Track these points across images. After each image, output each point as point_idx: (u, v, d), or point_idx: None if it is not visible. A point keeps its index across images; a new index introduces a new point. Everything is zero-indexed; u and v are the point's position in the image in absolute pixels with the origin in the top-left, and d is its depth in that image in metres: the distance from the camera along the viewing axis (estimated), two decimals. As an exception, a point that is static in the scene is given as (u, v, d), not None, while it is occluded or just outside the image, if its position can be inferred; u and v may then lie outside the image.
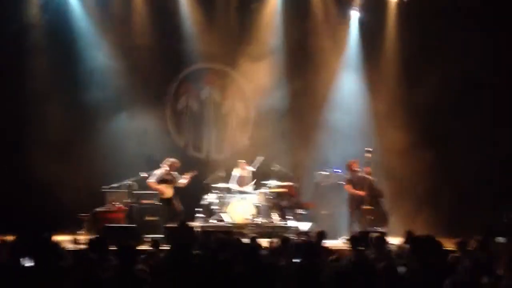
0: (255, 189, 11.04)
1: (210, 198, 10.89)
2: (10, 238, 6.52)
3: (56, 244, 5.67)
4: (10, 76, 10.93)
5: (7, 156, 10.81)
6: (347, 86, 12.22)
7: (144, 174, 10.43)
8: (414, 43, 11.91)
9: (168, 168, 10.37)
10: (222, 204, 10.78)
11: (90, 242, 6.24)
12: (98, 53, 11.52)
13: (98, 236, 7.99)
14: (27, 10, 10.99)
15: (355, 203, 10.22)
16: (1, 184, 10.56)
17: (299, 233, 9.54)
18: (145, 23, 11.76)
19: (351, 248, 7.17)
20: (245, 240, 7.75)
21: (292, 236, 8.70)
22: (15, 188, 10.63)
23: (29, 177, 10.81)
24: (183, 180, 10.39)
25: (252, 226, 10.32)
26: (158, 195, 10.36)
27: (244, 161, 11.20)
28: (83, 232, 9.77)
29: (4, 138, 10.87)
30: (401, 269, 5.61)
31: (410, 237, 6.98)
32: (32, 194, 10.66)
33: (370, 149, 10.36)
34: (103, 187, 10.56)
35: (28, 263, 4.99)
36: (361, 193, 10.18)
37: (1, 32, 10.53)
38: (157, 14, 11.76)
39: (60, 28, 11.28)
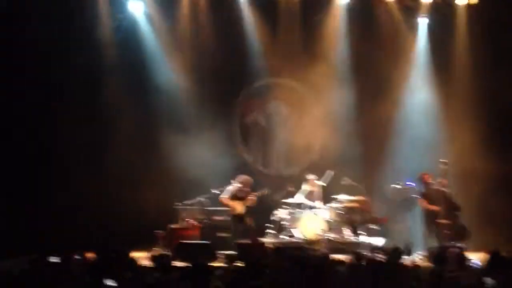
0: (326, 203, 10.91)
1: (280, 213, 10.86)
2: (89, 256, 6.77)
3: (136, 262, 5.79)
4: (85, 94, 11.37)
5: (84, 175, 11.22)
6: (418, 96, 11.89)
7: (215, 191, 10.56)
8: (486, 48, 11.43)
9: (240, 185, 10.46)
10: (293, 219, 10.72)
11: (154, 259, 6.34)
12: (167, 72, 11.82)
13: (162, 253, 8.16)
14: (102, 31, 11.44)
15: (430, 217, 9.87)
16: (80, 202, 10.96)
17: (373, 249, 9.33)
18: (211, 41, 11.94)
19: (429, 265, 6.93)
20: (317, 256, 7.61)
21: (366, 253, 8.52)
22: (91, 207, 11.00)
23: (105, 195, 11.17)
24: (254, 198, 10.44)
25: (323, 242, 10.17)
26: (230, 211, 10.45)
27: (313, 176, 11.10)
28: (158, 249, 9.98)
29: (82, 156, 11.28)
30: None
31: (493, 256, 6.62)
32: (108, 212, 11.01)
33: (445, 161, 9.98)
34: (176, 204, 10.77)
35: (110, 283, 5.11)
36: (435, 207, 9.82)
37: (78, 51, 10.98)
38: (222, 31, 11.89)
39: (130, 48, 11.65)
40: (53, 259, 6.19)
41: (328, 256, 7.36)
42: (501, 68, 11.25)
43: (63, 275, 5.55)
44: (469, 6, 11.71)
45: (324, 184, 11.01)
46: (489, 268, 6.09)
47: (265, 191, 10.56)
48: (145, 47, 11.77)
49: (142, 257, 9.11)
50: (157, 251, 9.69)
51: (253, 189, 10.55)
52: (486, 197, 10.99)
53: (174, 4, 11.76)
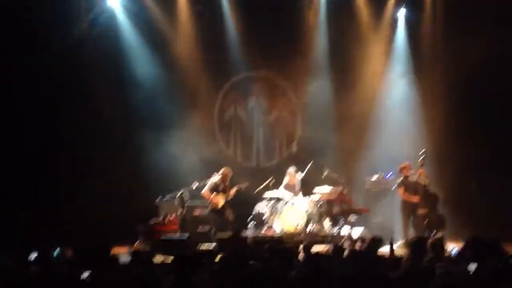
0: (305, 195, 10.97)
1: (261, 207, 10.88)
2: (68, 250, 6.71)
3: (115, 257, 5.76)
4: (62, 90, 11.22)
5: (63, 170, 11.11)
6: (397, 87, 11.98)
7: (196, 184, 10.54)
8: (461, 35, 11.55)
9: (220, 178, 10.46)
10: (273, 212, 10.75)
11: (133, 254, 6.33)
12: (146, 65, 11.74)
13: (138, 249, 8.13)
14: (78, 26, 11.29)
15: (409, 207, 9.99)
16: (60, 198, 10.86)
17: (352, 240, 9.42)
18: (191, 35, 11.90)
19: (407, 254, 7.01)
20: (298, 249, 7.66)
21: (345, 244, 8.60)
22: (70, 201, 10.92)
23: (84, 190, 11.10)
24: (232, 192, 10.45)
25: (303, 234, 10.23)
26: (211, 205, 10.44)
27: (293, 168, 11.15)
28: (139, 244, 9.94)
29: (56, 151, 11.16)
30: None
31: (470, 241, 6.71)
32: (87, 207, 10.93)
33: (424, 151, 10.09)
34: (157, 199, 10.74)
35: (87, 276, 5.09)
36: (414, 197, 9.94)
37: (54, 47, 10.82)
38: (202, 25, 11.86)
39: (108, 42, 11.54)
40: (33, 255, 6.14)
41: (309, 248, 7.40)
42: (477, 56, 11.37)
43: (42, 271, 5.51)
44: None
45: (303, 175, 11.05)
46: (470, 254, 6.17)
47: (245, 184, 10.57)
48: (123, 40, 11.67)
49: (122, 252, 9.09)
50: (137, 246, 9.66)
51: (233, 182, 10.55)
52: (464, 186, 11.14)
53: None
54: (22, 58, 10.81)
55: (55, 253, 6.27)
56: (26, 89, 10.92)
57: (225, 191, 10.44)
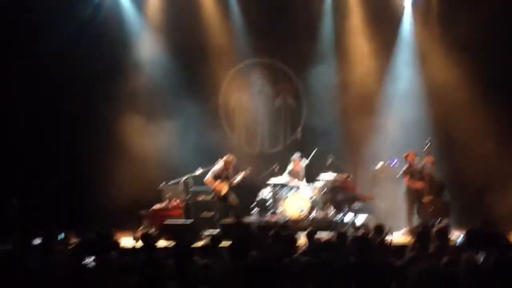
0: (310, 182, 10.94)
1: (265, 193, 10.88)
2: (71, 236, 6.73)
3: (118, 242, 5.77)
4: (66, 73, 11.18)
5: (64, 155, 11.12)
6: (403, 73, 11.88)
7: (200, 170, 10.52)
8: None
9: (224, 165, 10.44)
10: (277, 199, 10.75)
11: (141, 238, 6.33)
12: (151, 52, 11.69)
13: (147, 232, 8.15)
14: (82, 10, 11.21)
15: (413, 195, 9.95)
16: (61, 183, 10.87)
17: (356, 227, 9.40)
18: (197, 20, 11.80)
19: (412, 242, 6.99)
20: (302, 235, 7.65)
21: (348, 231, 8.57)
22: (74, 187, 10.94)
23: (88, 176, 11.11)
24: (237, 178, 10.43)
25: (307, 221, 10.22)
26: (214, 192, 10.43)
27: (298, 154, 11.11)
28: (143, 229, 9.97)
29: (59, 137, 11.16)
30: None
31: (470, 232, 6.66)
32: (91, 192, 10.96)
33: (430, 139, 10.02)
34: (161, 184, 10.73)
35: (91, 262, 5.10)
36: (419, 184, 9.89)
37: (58, 33, 10.78)
38: (206, 11, 11.77)
39: (112, 27, 11.47)
40: (37, 240, 6.16)
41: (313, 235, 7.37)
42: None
43: (46, 256, 5.52)
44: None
45: (307, 162, 11.02)
46: (472, 243, 6.14)
47: (248, 171, 10.54)
48: (127, 26, 11.60)
49: (126, 237, 9.12)
50: (142, 230, 9.68)
51: (236, 168, 10.52)
52: (472, 173, 11.07)
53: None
54: (26, 44, 10.76)
55: (59, 237, 6.28)
56: (29, 75, 10.89)
57: (228, 178, 10.43)
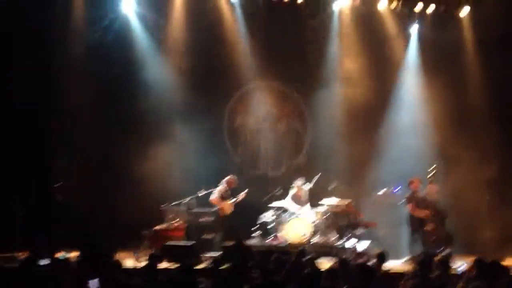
0: (313, 207, 10.92)
1: (266, 216, 10.85)
2: (73, 255, 6.72)
3: (119, 262, 5.76)
4: (76, 95, 11.24)
5: (71, 174, 11.13)
6: (408, 101, 11.96)
7: (203, 191, 10.53)
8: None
9: (226, 185, 10.46)
10: (279, 222, 10.72)
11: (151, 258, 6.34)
12: (158, 73, 11.78)
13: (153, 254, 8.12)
14: (93, 31, 11.37)
15: (416, 222, 9.89)
16: (67, 202, 10.85)
17: (358, 254, 9.35)
18: (204, 42, 11.89)
19: (414, 270, 6.96)
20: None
21: (350, 257, 8.53)
22: (78, 206, 10.90)
23: (91, 195, 11.10)
24: (239, 198, 10.46)
25: (309, 246, 10.17)
26: (216, 212, 10.42)
27: (301, 178, 11.11)
28: (143, 250, 9.93)
29: (69, 155, 11.19)
30: None
31: (476, 262, 6.65)
32: (93, 212, 10.94)
33: (435, 166, 10.01)
34: (162, 205, 10.73)
35: (93, 283, 5.08)
36: (423, 213, 9.85)
37: (68, 54, 10.89)
38: (215, 33, 11.88)
39: (122, 48, 11.59)
40: (43, 262, 6.17)
41: (314, 261, 7.34)
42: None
43: (49, 276, 5.52)
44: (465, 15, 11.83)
45: (311, 186, 11.02)
46: (476, 274, 6.13)
47: (245, 193, 10.52)
48: (136, 46, 11.71)
49: (127, 258, 9.10)
50: (143, 251, 9.65)
51: (236, 191, 10.54)
52: (476, 202, 11.06)
53: (166, 5, 11.68)
54: (36, 64, 10.86)
55: (61, 257, 6.28)
56: (38, 93, 10.96)
57: (229, 199, 10.45)
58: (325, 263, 7.90)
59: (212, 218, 10.56)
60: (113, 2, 11.44)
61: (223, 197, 10.42)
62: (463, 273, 6.98)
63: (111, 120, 11.50)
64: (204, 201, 10.65)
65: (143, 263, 7.78)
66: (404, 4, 11.87)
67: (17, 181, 10.65)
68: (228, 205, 10.42)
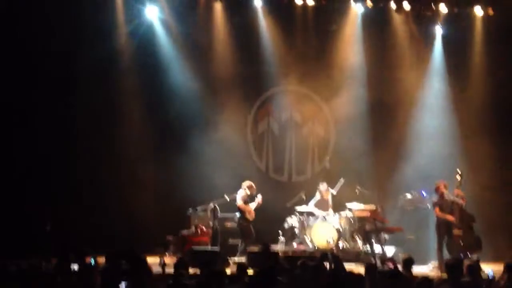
0: (337, 212, 10.86)
1: (292, 221, 10.83)
2: (101, 260, 6.77)
3: (148, 266, 5.80)
4: (100, 97, 11.34)
5: (97, 178, 11.25)
6: (433, 104, 11.84)
7: (227, 197, 10.55)
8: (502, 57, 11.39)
9: (248, 191, 10.47)
10: (304, 227, 10.69)
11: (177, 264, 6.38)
12: (182, 78, 11.86)
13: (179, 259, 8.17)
14: (117, 37, 11.50)
15: (444, 227, 9.76)
16: (93, 207, 10.99)
17: (384, 259, 9.25)
18: (227, 48, 11.97)
19: (442, 276, 6.87)
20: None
21: (376, 263, 8.45)
22: (104, 211, 11.02)
23: (116, 200, 11.19)
24: (253, 205, 10.49)
25: (336, 251, 10.11)
26: (242, 218, 10.40)
27: (325, 183, 11.07)
28: (169, 254, 9.99)
29: (95, 159, 11.29)
30: None
31: (507, 267, 6.53)
32: (119, 217, 11.03)
33: (460, 171, 9.88)
34: (188, 210, 10.78)
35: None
36: (450, 217, 9.72)
37: (95, 57, 11.02)
38: (237, 38, 11.93)
39: (146, 54, 11.69)
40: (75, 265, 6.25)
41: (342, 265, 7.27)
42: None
43: (80, 280, 5.60)
44: (486, 16, 11.68)
45: (334, 193, 10.97)
46: (508, 279, 6.02)
47: (260, 198, 10.51)
48: (160, 52, 11.81)
49: (152, 264, 9.13)
50: (169, 256, 9.70)
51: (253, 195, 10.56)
52: (503, 208, 10.89)
53: (190, 11, 11.78)
54: (60, 69, 11.01)
55: (91, 263, 6.35)
56: (63, 98, 11.11)
57: (248, 203, 10.48)
58: (351, 269, 7.83)
59: (236, 224, 10.55)
60: (138, 9, 11.55)
61: (245, 202, 10.43)
62: (494, 278, 6.86)
63: (135, 125, 11.59)
64: (227, 207, 10.65)
65: (169, 269, 7.81)
66: (426, 6, 11.75)
67: (42, 187, 10.76)
68: (252, 210, 10.42)
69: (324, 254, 7.55)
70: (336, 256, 7.55)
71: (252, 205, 10.46)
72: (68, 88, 11.12)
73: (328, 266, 7.01)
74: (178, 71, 11.83)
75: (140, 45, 11.58)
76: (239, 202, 10.35)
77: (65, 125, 11.13)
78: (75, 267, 6.16)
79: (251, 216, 10.38)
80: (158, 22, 11.78)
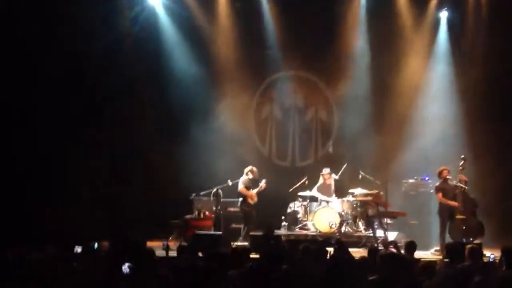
0: (340, 197, 10.89)
1: (295, 206, 10.86)
2: (104, 244, 6.83)
3: (152, 250, 5.83)
4: (103, 86, 11.35)
5: (100, 165, 11.29)
6: (436, 89, 11.78)
7: (230, 182, 10.58)
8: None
9: (251, 176, 10.49)
10: (307, 212, 10.72)
11: (179, 249, 6.42)
12: (184, 64, 11.85)
13: (186, 243, 8.23)
14: (120, 21, 11.45)
15: (447, 212, 9.76)
16: (97, 193, 11.03)
17: (387, 243, 9.28)
18: (229, 32, 11.93)
19: (444, 260, 6.89)
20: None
21: (379, 247, 8.48)
22: (108, 197, 11.08)
23: (121, 185, 11.26)
24: (256, 190, 10.50)
25: (338, 235, 10.15)
26: (244, 202, 10.44)
27: (328, 168, 11.07)
28: (173, 238, 10.06)
29: (99, 146, 11.32)
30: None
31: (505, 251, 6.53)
32: (122, 202, 11.10)
33: (464, 157, 9.86)
34: (191, 195, 10.83)
35: (127, 270, 5.17)
36: (453, 202, 9.72)
37: (98, 42, 10.98)
38: (241, 23, 11.91)
39: (149, 39, 11.67)
40: (78, 248, 6.30)
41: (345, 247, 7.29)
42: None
43: (84, 263, 5.64)
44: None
45: (337, 177, 10.98)
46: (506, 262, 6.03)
47: (266, 182, 10.51)
48: (163, 38, 11.78)
49: (156, 248, 9.19)
50: (173, 240, 9.77)
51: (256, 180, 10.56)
52: (504, 193, 10.88)
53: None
54: (63, 56, 10.97)
55: (95, 247, 6.40)
56: (66, 86, 11.09)
57: (253, 188, 10.49)
58: (354, 253, 7.87)
59: (239, 208, 10.60)
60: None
61: (247, 187, 10.45)
62: (495, 262, 6.88)
63: (139, 112, 11.61)
64: (230, 192, 10.69)
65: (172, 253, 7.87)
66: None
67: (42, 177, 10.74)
68: (254, 195, 10.45)
69: (327, 239, 7.59)
70: (341, 242, 7.59)
71: (254, 190, 10.49)
72: (69, 84, 11.06)
73: (331, 251, 7.05)
74: (181, 56, 11.81)
75: (142, 31, 11.53)
76: (241, 187, 10.39)
77: (71, 112, 11.09)
78: (78, 250, 6.21)
79: (252, 201, 10.42)
80: (161, 6, 11.74)
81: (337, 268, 5.68)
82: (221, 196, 10.72)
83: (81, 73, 11.18)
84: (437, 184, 10.00)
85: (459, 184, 9.66)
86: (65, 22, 10.84)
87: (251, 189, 10.47)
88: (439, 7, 11.84)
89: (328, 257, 6.61)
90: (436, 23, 11.93)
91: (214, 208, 10.54)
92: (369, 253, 6.96)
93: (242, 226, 10.46)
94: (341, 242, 7.54)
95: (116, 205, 10.97)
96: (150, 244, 8.73)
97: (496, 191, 10.87)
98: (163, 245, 8.92)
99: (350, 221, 10.64)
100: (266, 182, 10.56)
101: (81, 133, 11.09)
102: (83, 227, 9.49)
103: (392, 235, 10.08)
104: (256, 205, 10.53)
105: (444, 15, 11.89)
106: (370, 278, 5.57)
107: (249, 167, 10.56)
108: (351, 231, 10.53)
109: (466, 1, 11.66)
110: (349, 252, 7.09)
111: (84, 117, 11.20)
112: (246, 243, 9.61)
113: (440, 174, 9.96)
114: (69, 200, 10.65)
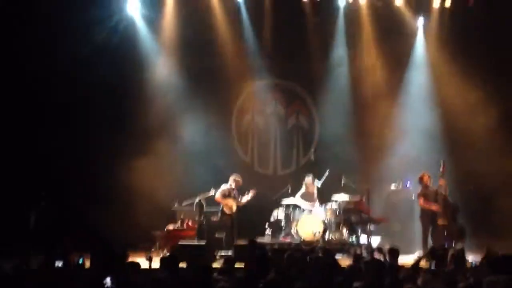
0: (323, 204, 10.91)
1: (277, 214, 10.85)
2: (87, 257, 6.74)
3: (136, 263, 5.77)
4: (82, 96, 11.25)
5: (80, 176, 11.15)
6: (417, 95, 11.91)
7: (213, 191, 10.52)
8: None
9: (234, 184, 10.45)
10: (290, 220, 10.72)
11: (162, 260, 6.37)
12: (163, 73, 11.79)
13: (170, 254, 8.16)
14: (98, 33, 11.38)
15: (428, 217, 9.85)
16: (78, 203, 10.90)
17: (372, 250, 9.32)
18: (210, 41, 11.90)
19: (428, 265, 6.94)
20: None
21: (363, 254, 8.51)
22: (90, 208, 10.94)
23: (101, 195, 11.12)
24: (244, 199, 10.44)
25: (321, 242, 10.16)
26: (221, 210, 10.40)
27: (310, 176, 11.10)
28: (156, 249, 9.96)
29: (78, 157, 11.21)
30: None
31: (488, 256, 6.62)
32: (104, 212, 10.96)
33: (443, 161, 9.96)
34: (174, 205, 10.75)
35: (108, 284, 5.11)
36: (435, 207, 9.81)
37: (75, 52, 10.87)
38: (221, 32, 11.88)
39: (127, 50, 11.59)
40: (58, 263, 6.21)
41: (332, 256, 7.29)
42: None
43: (66, 278, 5.56)
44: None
45: (319, 185, 11.01)
46: (488, 267, 6.09)
47: (253, 192, 10.51)
48: (141, 48, 11.72)
49: (138, 259, 9.10)
50: (155, 251, 9.67)
51: (243, 189, 10.53)
52: (486, 197, 11.02)
53: (161, 5, 11.68)
54: (41, 67, 10.86)
55: (80, 261, 6.32)
56: (45, 95, 10.98)
57: (234, 198, 10.44)
58: (338, 260, 7.88)
59: (219, 217, 10.53)
60: (118, 3, 11.45)
61: (226, 195, 10.39)
62: (477, 266, 6.95)
63: (117, 120, 11.50)
64: (214, 201, 10.64)
65: (155, 264, 7.79)
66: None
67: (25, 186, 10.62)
68: (231, 203, 10.38)
69: (313, 248, 7.57)
70: (326, 249, 7.59)
71: (244, 199, 10.43)
72: (48, 86, 10.97)
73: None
74: (160, 65, 11.76)
75: (121, 41, 11.46)
76: (217, 195, 10.34)
77: (48, 120, 11.00)
78: (59, 264, 6.12)
79: (228, 209, 10.35)
80: (139, 17, 11.69)
81: (325, 277, 5.70)
82: (204, 205, 10.67)
83: (57, 83, 11.04)
84: (418, 189, 10.08)
85: (440, 189, 9.75)
86: (44, 32, 10.71)
87: (230, 198, 10.41)
88: (416, 14, 12.00)
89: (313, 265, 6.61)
90: (414, 30, 12.08)
91: (197, 218, 10.47)
92: (354, 260, 6.99)
93: (225, 235, 10.39)
94: (327, 250, 7.54)
95: (95, 216, 10.80)
96: (133, 256, 8.65)
97: (476, 194, 11.03)
98: (146, 256, 8.84)
99: (334, 228, 10.65)
100: (254, 193, 10.49)
101: (56, 141, 10.96)
102: (61, 240, 9.35)
103: (375, 241, 10.12)
104: (239, 214, 10.48)
105: (421, 22, 12.05)
106: (355, 285, 5.59)
107: (234, 175, 10.53)
108: (335, 238, 10.54)
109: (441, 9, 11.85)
110: (336, 260, 7.10)
111: (60, 124, 11.08)
112: (230, 252, 9.55)
113: (421, 179, 10.06)
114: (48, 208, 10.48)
